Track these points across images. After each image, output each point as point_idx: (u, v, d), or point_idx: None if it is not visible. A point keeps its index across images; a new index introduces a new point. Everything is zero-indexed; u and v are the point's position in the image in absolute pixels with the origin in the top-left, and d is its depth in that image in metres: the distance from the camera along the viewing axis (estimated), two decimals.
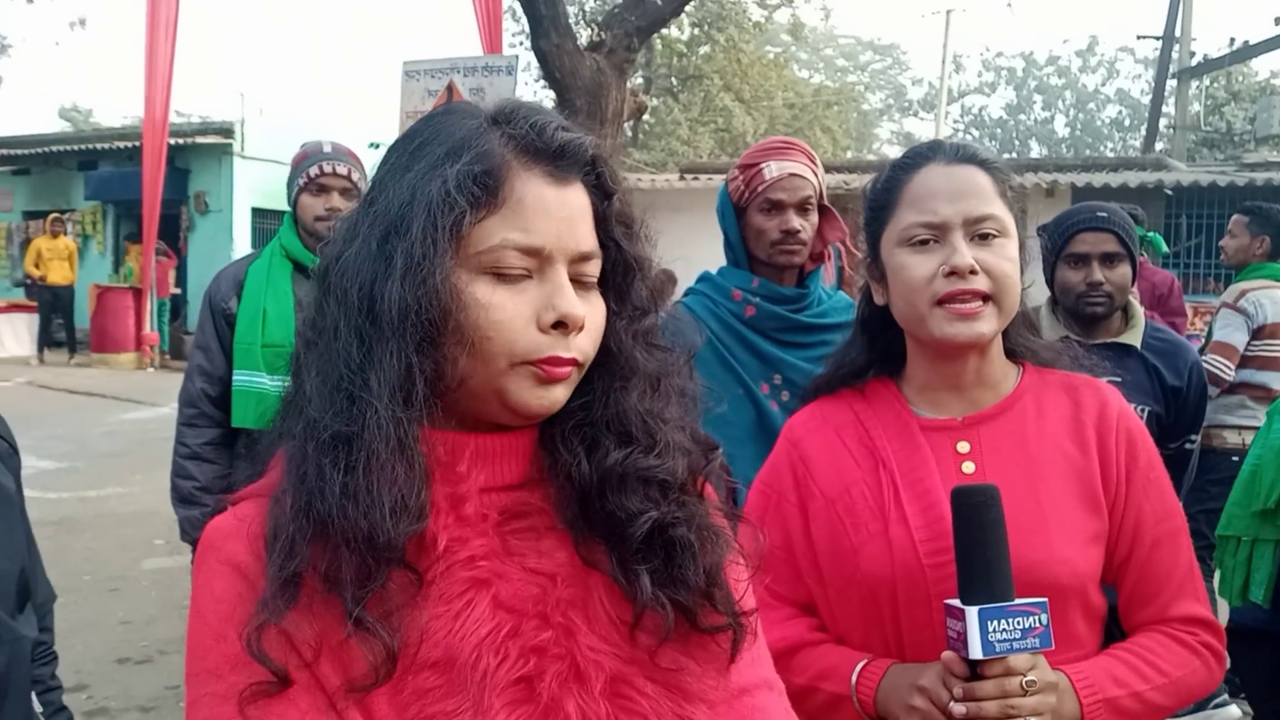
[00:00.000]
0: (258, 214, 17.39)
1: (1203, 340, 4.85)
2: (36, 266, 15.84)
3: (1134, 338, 2.80)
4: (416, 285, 0.88)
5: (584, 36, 9.50)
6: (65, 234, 16.75)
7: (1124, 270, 2.78)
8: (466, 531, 0.91)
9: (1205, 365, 4.15)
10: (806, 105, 29.33)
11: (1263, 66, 29.62)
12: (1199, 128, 22.91)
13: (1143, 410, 2.69)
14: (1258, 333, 4.30)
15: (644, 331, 1.00)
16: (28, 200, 19.35)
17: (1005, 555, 1.25)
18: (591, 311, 0.95)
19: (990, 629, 1.23)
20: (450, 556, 0.90)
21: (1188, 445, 2.84)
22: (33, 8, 21.61)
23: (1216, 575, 4.31)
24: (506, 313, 0.90)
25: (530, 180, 0.93)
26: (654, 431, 0.97)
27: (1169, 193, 12.94)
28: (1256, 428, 4.26)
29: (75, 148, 18.69)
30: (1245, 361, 4.36)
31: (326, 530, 0.86)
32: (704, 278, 2.54)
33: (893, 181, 1.47)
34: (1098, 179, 13.34)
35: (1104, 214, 2.81)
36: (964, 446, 1.45)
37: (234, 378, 2.99)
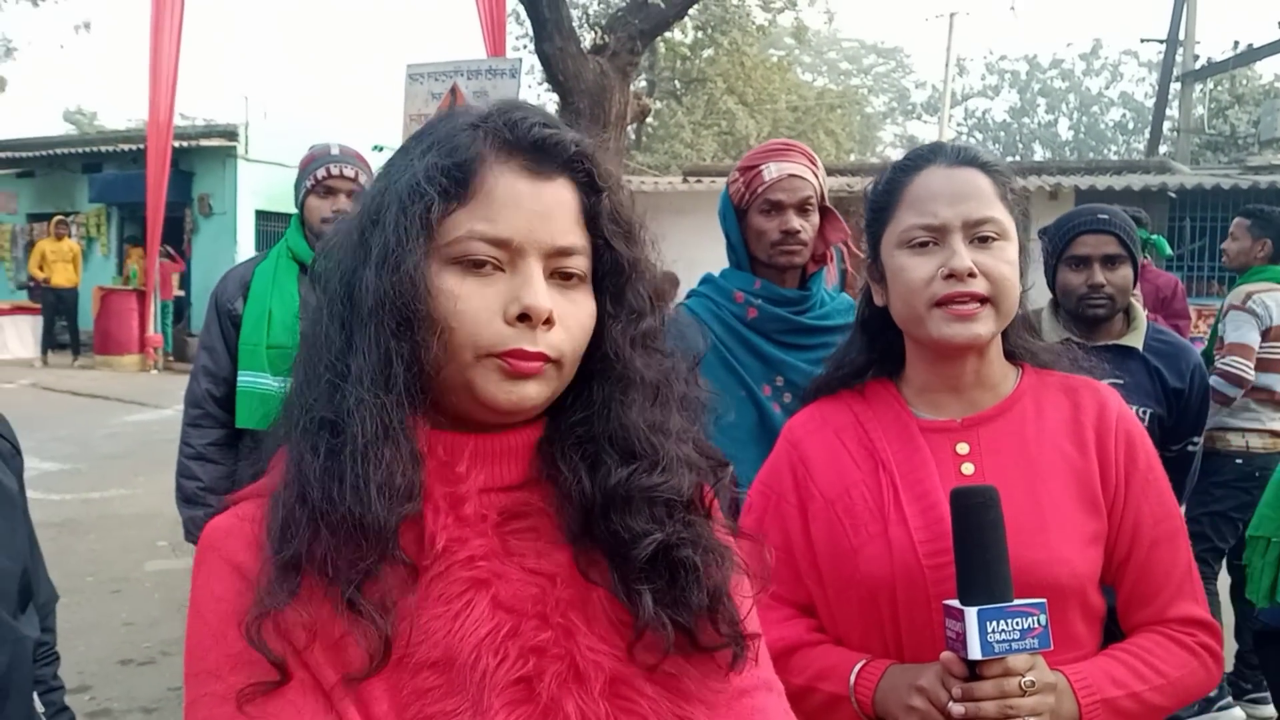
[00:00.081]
0: (261, 216, 17.42)
1: (1205, 342, 4.86)
2: (40, 269, 15.88)
3: (1136, 340, 2.80)
4: (389, 273, 0.90)
5: (587, 40, 9.50)
6: (69, 236, 16.78)
7: (1125, 272, 2.78)
8: (466, 532, 0.91)
9: (1225, 367, 4.15)
10: (810, 108, 29.38)
11: (1267, 70, 29.68)
12: (1203, 131, 22.91)
13: (1144, 412, 2.68)
14: (1264, 335, 4.30)
15: (642, 335, 0.98)
16: (32, 203, 19.39)
17: (1004, 556, 1.25)
18: (573, 309, 0.94)
19: (989, 629, 1.23)
20: (449, 557, 0.90)
21: (1190, 447, 2.83)
22: (38, 11, 21.67)
23: (1221, 577, 4.34)
24: (472, 304, 0.91)
25: (503, 173, 0.93)
26: (658, 446, 0.95)
27: (1172, 196, 12.94)
28: (1260, 430, 4.28)
29: (80, 150, 18.74)
30: None
31: (321, 518, 0.86)
32: (706, 280, 2.54)
33: (893, 183, 1.48)
34: (1101, 182, 13.34)
35: (1105, 216, 2.81)
36: (963, 448, 1.45)
37: (239, 378, 3.00)
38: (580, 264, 0.95)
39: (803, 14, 25.90)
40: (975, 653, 1.23)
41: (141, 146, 14.95)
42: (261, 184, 17.17)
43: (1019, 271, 1.43)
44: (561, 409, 0.98)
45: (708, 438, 1.04)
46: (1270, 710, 4.31)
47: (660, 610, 0.91)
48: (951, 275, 1.37)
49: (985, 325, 1.39)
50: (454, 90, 7.10)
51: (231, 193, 17.32)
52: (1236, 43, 20.36)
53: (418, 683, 0.87)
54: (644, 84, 23.60)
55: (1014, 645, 1.24)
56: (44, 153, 18.56)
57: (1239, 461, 4.29)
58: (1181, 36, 20.79)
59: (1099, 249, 2.78)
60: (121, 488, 8.11)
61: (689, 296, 2.57)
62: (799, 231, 2.35)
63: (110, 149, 18.07)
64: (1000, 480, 1.33)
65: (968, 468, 1.43)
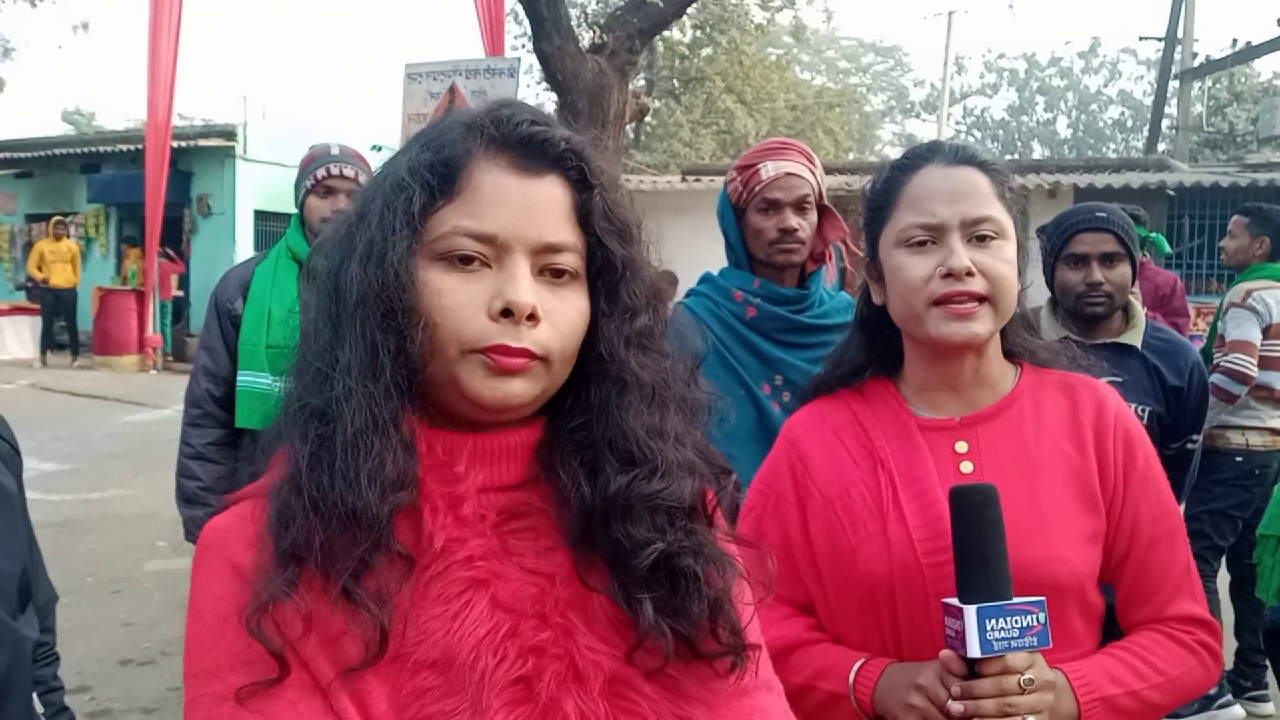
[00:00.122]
0: (260, 216, 17.42)
1: (1204, 340, 4.85)
2: (39, 269, 15.87)
3: (1134, 338, 2.80)
4: (373, 267, 0.91)
5: (586, 39, 9.49)
6: (68, 237, 16.78)
7: (1123, 270, 2.78)
8: (465, 532, 0.91)
9: (1229, 365, 4.16)
10: (808, 107, 29.37)
11: (1265, 67, 29.65)
12: (1201, 129, 22.91)
13: (1143, 410, 2.68)
14: (1265, 332, 4.31)
15: (636, 334, 0.97)
16: (30, 203, 19.39)
17: (1003, 554, 1.26)
18: (562, 306, 0.94)
19: (988, 627, 1.23)
20: (448, 556, 0.90)
21: (1189, 445, 2.83)
22: (36, 11, 21.65)
23: (1221, 575, 4.35)
24: (456, 299, 0.91)
25: (491, 170, 0.94)
26: (657, 451, 0.94)
27: (1171, 193, 12.94)
28: (1260, 428, 4.28)
29: (78, 151, 18.74)
30: None
31: (315, 508, 0.87)
32: (705, 279, 2.54)
33: (891, 182, 1.48)
34: (1100, 180, 13.34)
35: (1103, 214, 2.81)
36: (962, 446, 1.45)
37: (238, 378, 3.00)
38: (571, 261, 0.95)
39: (801, 13, 25.97)
40: (974, 651, 1.23)
41: (140, 147, 14.95)
42: (260, 184, 17.17)
43: (1017, 270, 1.43)
44: (561, 411, 0.98)
45: (708, 440, 1.03)
46: (1270, 708, 4.32)
47: (660, 618, 0.91)
48: (949, 274, 1.37)
49: (983, 324, 1.39)
50: (452, 90, 7.10)
51: (230, 193, 17.32)
52: (1235, 40, 20.39)
53: (417, 683, 0.87)
54: (642, 83, 23.60)
55: (1013, 643, 1.24)
56: (42, 153, 18.55)
57: (1239, 459, 4.29)
58: (1180, 34, 20.80)
59: (1097, 247, 2.78)
60: (121, 488, 8.11)
61: (688, 296, 2.57)
62: (796, 230, 2.35)
63: (109, 149, 18.07)
64: (999, 479, 1.33)
65: (966, 466, 1.44)
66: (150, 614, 5.30)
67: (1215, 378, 4.21)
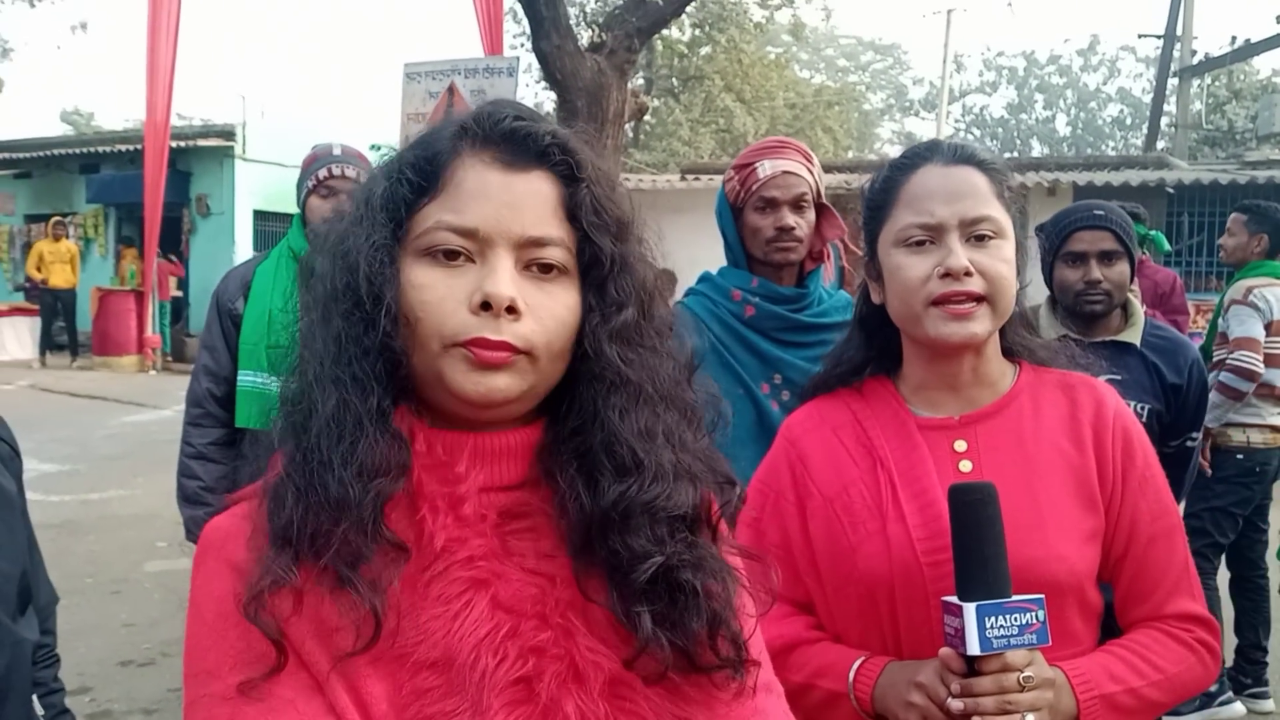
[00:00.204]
0: (259, 216, 17.43)
1: (1204, 337, 4.86)
2: (38, 270, 15.87)
3: (1133, 336, 2.79)
4: (357, 262, 0.91)
5: (585, 38, 9.49)
6: (67, 237, 16.77)
7: (1122, 268, 2.78)
8: (465, 532, 0.91)
9: (1235, 362, 4.16)
10: (807, 105, 29.35)
11: (1264, 65, 29.65)
12: (1200, 126, 22.90)
13: (1143, 408, 2.68)
14: (1266, 329, 4.31)
15: (620, 329, 0.96)
16: (29, 204, 19.38)
17: (1002, 552, 1.26)
18: (546, 300, 0.93)
19: (988, 625, 1.23)
20: (449, 556, 0.90)
21: (1189, 443, 2.83)
22: (34, 12, 21.64)
23: (1220, 572, 4.35)
24: (436, 293, 0.91)
25: (474, 165, 0.94)
26: (646, 454, 0.93)
27: (1170, 191, 12.94)
28: (1261, 425, 4.28)
29: (77, 151, 18.72)
30: None
31: (303, 496, 0.88)
32: (704, 278, 2.54)
33: (890, 182, 1.48)
34: (1099, 178, 13.34)
35: (1101, 212, 2.81)
36: (961, 445, 1.45)
37: (238, 378, 3.00)
38: (558, 255, 0.94)
39: (800, 11, 26.00)
40: (974, 648, 1.23)
41: (139, 147, 14.95)
42: (259, 184, 17.17)
43: (1016, 269, 1.43)
44: (560, 414, 0.97)
45: (715, 447, 1.02)
46: (1270, 705, 4.32)
47: (659, 631, 0.90)
48: (948, 274, 1.37)
49: (981, 324, 1.39)
50: (451, 89, 7.09)
51: (229, 193, 17.32)
52: (1234, 38, 20.39)
53: (417, 683, 0.87)
54: (641, 82, 23.60)
55: (1012, 641, 1.24)
56: (41, 153, 18.54)
57: (1240, 457, 4.29)
58: (1179, 32, 20.79)
59: (1095, 245, 2.78)
60: (120, 488, 8.11)
61: (686, 295, 2.57)
62: (794, 228, 2.35)
63: (107, 149, 18.05)
64: (998, 477, 1.34)
65: (965, 465, 1.44)
66: (150, 615, 5.30)
67: (1223, 375, 4.21)
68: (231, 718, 0.85)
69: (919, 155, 1.47)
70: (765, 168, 2.36)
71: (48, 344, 16.10)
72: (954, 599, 1.26)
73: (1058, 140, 42.95)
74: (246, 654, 0.86)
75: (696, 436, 1.00)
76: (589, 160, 0.97)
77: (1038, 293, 2.76)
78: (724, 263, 2.51)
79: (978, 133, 42.76)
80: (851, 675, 1.40)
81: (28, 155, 18.65)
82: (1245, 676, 4.37)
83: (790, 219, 2.35)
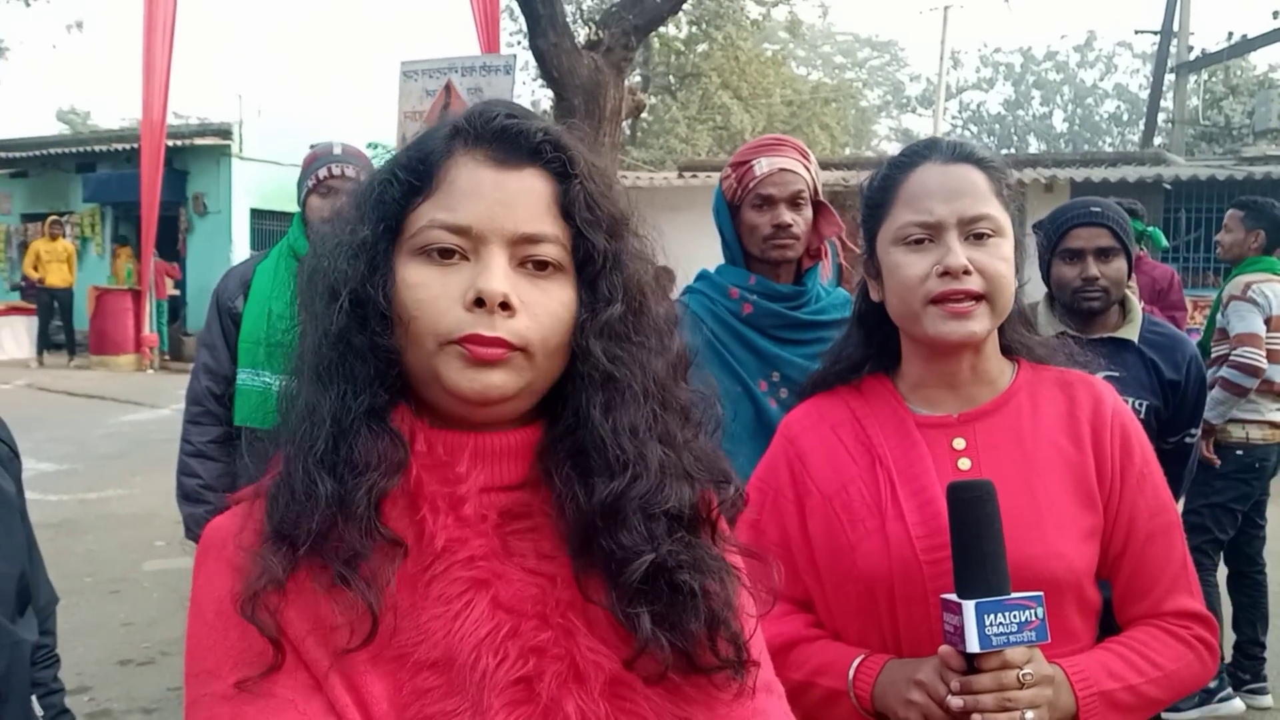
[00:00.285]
0: (256, 215, 17.42)
1: (1202, 333, 4.86)
2: (35, 269, 15.85)
3: (1131, 332, 2.80)
4: (351, 262, 0.92)
5: (582, 35, 9.48)
6: (64, 236, 16.75)
7: (1119, 264, 2.78)
8: (466, 532, 0.91)
9: (1239, 358, 4.16)
10: (804, 102, 29.35)
11: (1261, 60, 29.71)
12: (1197, 122, 22.90)
13: (1141, 405, 2.68)
14: (1266, 324, 4.31)
15: (606, 326, 0.95)
16: (26, 203, 19.36)
17: (1001, 550, 1.26)
18: (541, 297, 0.93)
19: (987, 622, 1.23)
20: (449, 556, 0.90)
21: (1187, 439, 2.84)
22: (30, 10, 21.61)
23: (1223, 571, 4.36)
24: (431, 291, 0.91)
25: (467, 163, 0.95)
26: (632, 450, 0.93)
27: (1168, 187, 12.95)
28: (1260, 421, 4.29)
29: (73, 150, 18.69)
30: None
31: (299, 491, 0.88)
32: (702, 276, 2.54)
33: (889, 180, 1.48)
34: (1096, 174, 13.36)
35: (1097, 209, 2.81)
36: (960, 443, 1.45)
37: (238, 376, 3.00)
38: (552, 252, 0.94)
39: (797, 8, 26.04)
40: (973, 646, 1.23)
41: (135, 146, 14.93)
42: (256, 182, 17.17)
43: (1014, 267, 1.43)
44: (559, 413, 0.97)
45: (715, 448, 1.02)
46: (1269, 700, 4.33)
47: (658, 632, 0.90)
48: (946, 273, 1.37)
49: (980, 323, 1.39)
50: (448, 87, 7.08)
51: (226, 191, 17.31)
52: (1231, 34, 20.43)
53: (417, 683, 0.87)
54: (638, 79, 23.57)
55: (1012, 638, 1.24)
56: (37, 153, 18.52)
57: (1239, 453, 4.30)
58: (1176, 28, 20.79)
59: (1092, 242, 2.78)
60: (119, 488, 8.11)
61: (684, 293, 2.56)
62: (790, 225, 2.35)
63: (104, 148, 18.02)
64: (996, 475, 1.34)
65: (964, 463, 1.44)
66: (149, 614, 5.30)
67: (1226, 372, 4.21)
68: (232, 717, 0.85)
69: (918, 153, 1.47)
70: (762, 165, 2.36)
71: (45, 343, 16.08)
72: (953, 596, 1.26)
73: (1054, 136, 42.97)
74: (247, 653, 0.86)
75: (694, 435, 1.00)
76: (582, 157, 0.97)
77: (1036, 290, 2.76)
78: (722, 260, 2.51)
79: (975, 129, 42.77)
80: (851, 673, 1.41)
81: (24, 154, 18.62)
82: (1243, 672, 4.38)
83: (787, 216, 2.35)
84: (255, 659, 0.85)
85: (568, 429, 0.95)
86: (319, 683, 0.87)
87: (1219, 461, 4.24)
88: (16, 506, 1.51)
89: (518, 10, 9.93)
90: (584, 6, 21.89)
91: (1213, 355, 4.42)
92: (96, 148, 18.32)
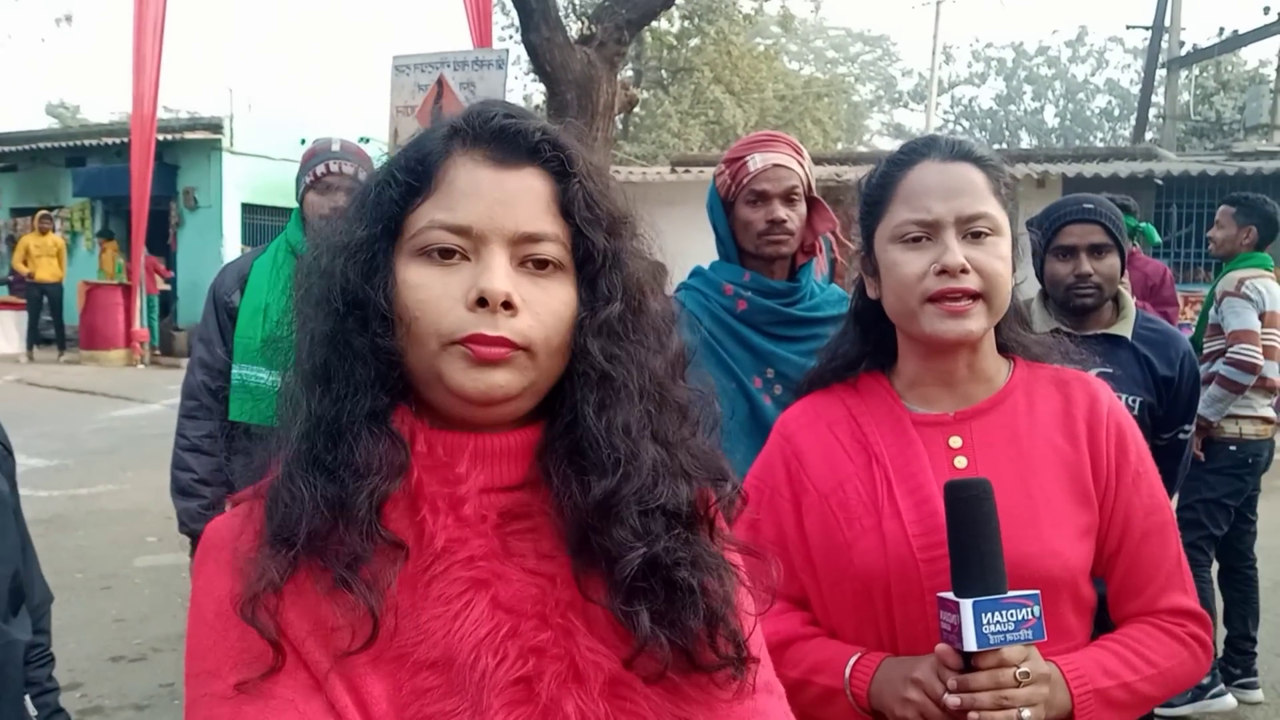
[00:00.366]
0: (247, 209, 17.36)
1: (1194, 329, 4.87)
2: (25, 264, 15.78)
3: (1125, 329, 2.80)
4: (350, 263, 0.92)
5: (574, 30, 9.45)
6: (53, 231, 16.68)
7: (1112, 261, 2.79)
8: (466, 532, 0.91)
9: (1236, 355, 4.17)
10: (797, 97, 29.39)
11: (1252, 56, 29.75)
12: (1188, 117, 22.98)
13: (1134, 401, 2.69)
14: (1260, 319, 4.33)
15: (604, 324, 0.95)
16: (15, 197, 19.26)
17: (999, 548, 1.26)
18: (543, 296, 0.93)
19: (985, 621, 1.23)
20: (449, 556, 0.90)
21: (1181, 435, 2.84)
22: (18, 4, 21.50)
23: (1214, 566, 4.37)
24: (433, 292, 0.91)
25: (466, 163, 0.95)
26: (627, 448, 0.92)
27: (1159, 183, 12.97)
28: (1253, 417, 4.30)
29: (63, 144, 18.60)
30: None
31: (300, 494, 0.88)
32: (696, 272, 2.54)
33: (887, 177, 1.48)
34: (1088, 169, 13.37)
35: (1090, 205, 2.81)
36: (956, 441, 1.45)
37: (233, 372, 3.00)
38: (553, 251, 0.94)
39: (789, 2, 25.97)
40: (971, 644, 1.23)
41: (125, 140, 14.86)
42: (247, 176, 17.10)
43: (1011, 265, 1.43)
44: (557, 413, 0.97)
45: (713, 446, 1.01)
46: (1259, 695, 4.35)
47: (657, 630, 0.90)
48: (944, 271, 1.37)
49: (977, 321, 1.39)
50: (440, 82, 7.06)
51: (217, 186, 17.24)
52: (1222, 29, 20.43)
53: (417, 683, 0.87)
54: (631, 74, 23.55)
55: (1009, 636, 1.24)
56: (27, 146, 18.44)
57: (1233, 449, 4.32)
58: (1167, 23, 20.81)
59: (1085, 239, 2.78)
60: (109, 483, 8.08)
61: (678, 289, 2.56)
62: (785, 221, 2.35)
63: (94, 142, 17.92)
64: (993, 473, 1.34)
65: (960, 461, 1.44)
66: (140, 610, 5.29)
67: (1223, 369, 4.23)
68: (232, 717, 0.85)
69: (916, 151, 1.47)
70: (756, 161, 2.36)
71: (35, 338, 16.02)
72: (950, 595, 1.27)
73: (1046, 131, 43.04)
74: (247, 654, 0.86)
75: (692, 433, 1.00)
76: (581, 156, 0.97)
77: (1031, 287, 2.76)
78: (715, 256, 2.51)
79: (966, 124, 42.83)
80: (847, 671, 1.41)
81: (13, 149, 18.54)
82: (1234, 667, 4.40)
83: (781, 212, 2.35)
84: (255, 660, 0.85)
85: (565, 428, 0.95)
86: (319, 683, 0.87)
87: (1204, 457, 4.25)
88: (10, 505, 1.50)
89: (510, 5, 9.91)
90: (576, 1, 21.85)
91: (1205, 351, 4.43)
92: (86, 142, 18.22)
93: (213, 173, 17.27)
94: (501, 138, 0.95)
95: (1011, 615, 1.24)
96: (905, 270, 1.41)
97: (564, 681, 0.88)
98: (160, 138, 14.99)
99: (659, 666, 0.90)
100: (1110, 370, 2.55)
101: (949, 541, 1.28)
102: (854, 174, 1.57)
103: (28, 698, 1.55)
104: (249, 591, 0.85)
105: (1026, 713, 1.25)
